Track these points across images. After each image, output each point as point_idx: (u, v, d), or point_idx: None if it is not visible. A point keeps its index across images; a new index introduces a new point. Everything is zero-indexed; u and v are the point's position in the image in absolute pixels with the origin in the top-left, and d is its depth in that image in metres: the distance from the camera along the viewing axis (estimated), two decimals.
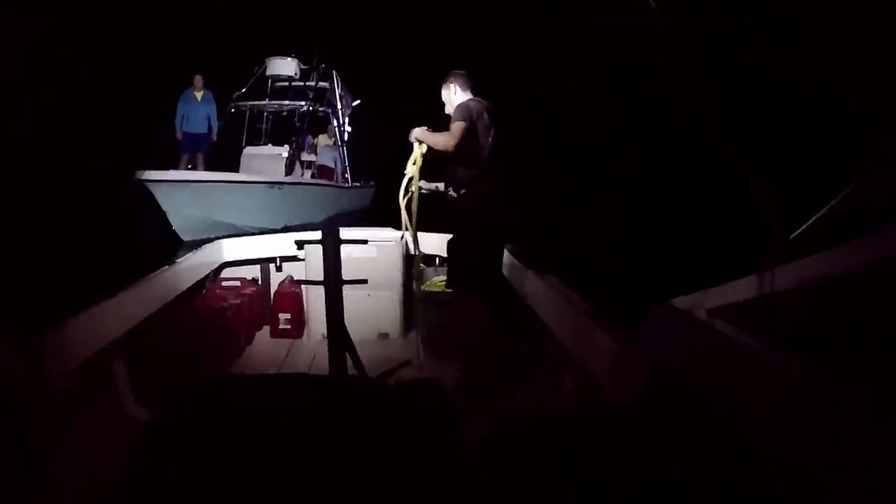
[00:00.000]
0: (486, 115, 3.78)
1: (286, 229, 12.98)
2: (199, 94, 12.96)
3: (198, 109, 12.93)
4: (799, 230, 2.27)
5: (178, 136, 12.90)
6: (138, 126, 13.66)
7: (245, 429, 1.88)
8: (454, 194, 3.90)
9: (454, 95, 3.90)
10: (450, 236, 4.01)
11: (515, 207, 3.91)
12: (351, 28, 20.95)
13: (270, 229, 12.76)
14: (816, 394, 1.49)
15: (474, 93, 3.93)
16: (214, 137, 13.20)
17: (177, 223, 11.47)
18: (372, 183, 17.61)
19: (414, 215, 4.23)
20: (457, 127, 3.67)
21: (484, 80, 4.04)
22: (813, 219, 2.25)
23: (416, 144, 4.02)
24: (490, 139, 3.77)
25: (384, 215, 5.23)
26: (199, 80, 12.94)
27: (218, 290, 5.07)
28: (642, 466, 1.54)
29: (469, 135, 3.69)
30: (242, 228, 12.46)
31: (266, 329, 5.24)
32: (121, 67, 15.95)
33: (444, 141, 3.74)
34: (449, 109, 3.92)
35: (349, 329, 3.80)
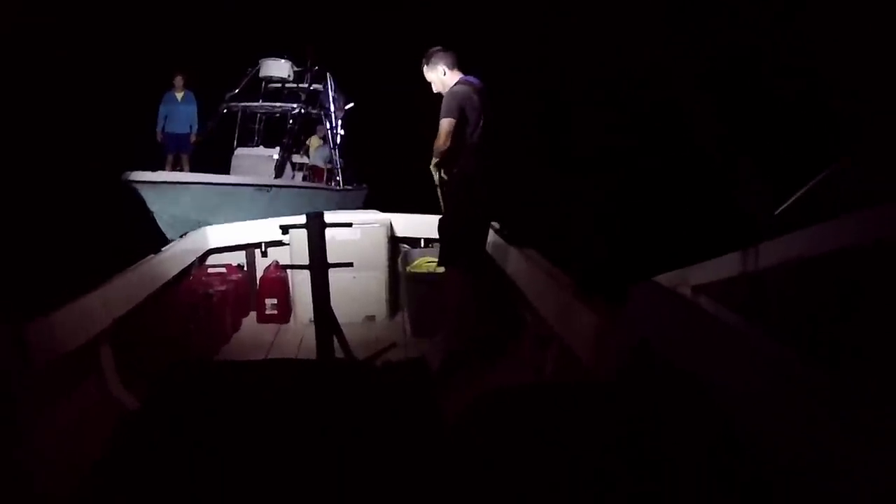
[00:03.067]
0: (475, 97, 3.71)
1: None
2: (179, 95, 12.83)
3: (179, 109, 12.79)
4: (784, 205, 2.26)
5: (159, 137, 12.77)
6: (127, 127, 13.48)
7: (228, 412, 1.86)
8: (444, 176, 3.87)
9: (443, 76, 3.85)
10: (434, 217, 4.00)
11: (502, 184, 3.88)
12: (346, 29, 20.71)
13: None
14: (798, 373, 1.49)
15: (462, 70, 3.87)
16: (193, 138, 13.04)
17: (165, 225, 11.37)
18: (364, 186, 17.50)
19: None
20: (443, 125, 3.64)
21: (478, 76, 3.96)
22: (798, 194, 2.25)
23: (433, 171, 3.89)
24: (480, 120, 3.73)
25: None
26: (179, 80, 12.79)
27: (204, 277, 5.04)
28: (622, 441, 1.53)
29: (458, 125, 3.66)
30: None
31: (253, 315, 5.22)
32: (110, 68, 15.73)
33: (436, 146, 3.69)
34: (438, 88, 3.87)
35: (336, 312, 3.80)
